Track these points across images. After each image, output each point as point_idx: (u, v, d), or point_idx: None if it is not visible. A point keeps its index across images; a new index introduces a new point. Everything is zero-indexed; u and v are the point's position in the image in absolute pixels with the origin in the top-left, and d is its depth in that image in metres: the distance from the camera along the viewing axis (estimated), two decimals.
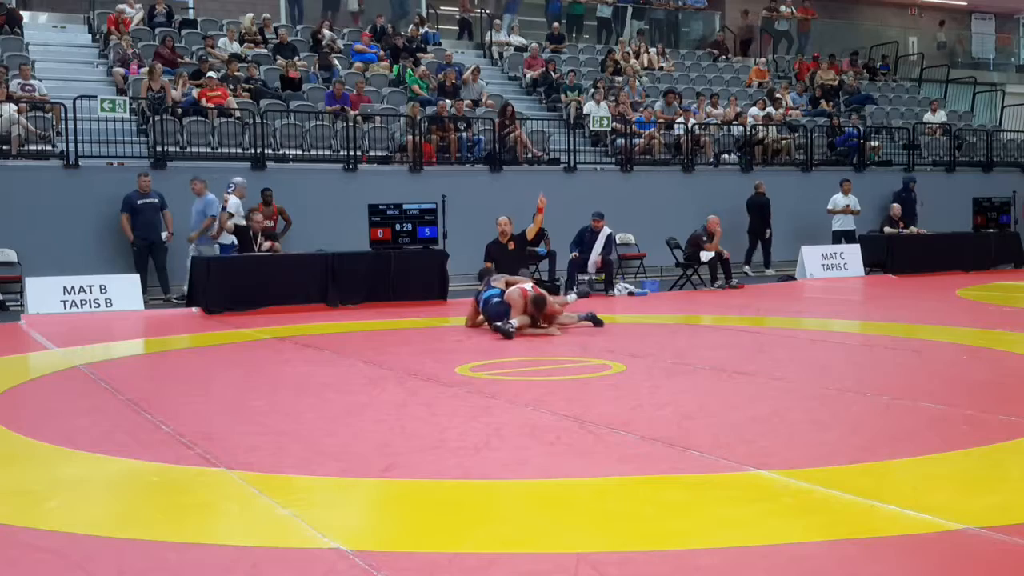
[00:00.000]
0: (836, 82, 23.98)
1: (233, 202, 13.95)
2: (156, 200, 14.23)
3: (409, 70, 19.21)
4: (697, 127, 19.64)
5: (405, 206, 13.78)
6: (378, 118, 17.28)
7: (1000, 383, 7.06)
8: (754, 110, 20.86)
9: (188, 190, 14.81)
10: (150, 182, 14.22)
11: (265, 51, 18.94)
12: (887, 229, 18.38)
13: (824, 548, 3.68)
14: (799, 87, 23.95)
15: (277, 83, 17.84)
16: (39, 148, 14.91)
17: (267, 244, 13.59)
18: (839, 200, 18.48)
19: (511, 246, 12.39)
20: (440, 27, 22.84)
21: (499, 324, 9.79)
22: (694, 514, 4.12)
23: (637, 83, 21.22)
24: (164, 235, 14.22)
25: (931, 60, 27.60)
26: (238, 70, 17.32)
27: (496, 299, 10.22)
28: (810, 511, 4.12)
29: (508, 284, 10.41)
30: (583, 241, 14.65)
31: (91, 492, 4.71)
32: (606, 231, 14.56)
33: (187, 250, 14.13)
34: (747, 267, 18.23)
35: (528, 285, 10.30)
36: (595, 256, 14.46)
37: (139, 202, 14.11)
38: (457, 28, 23.51)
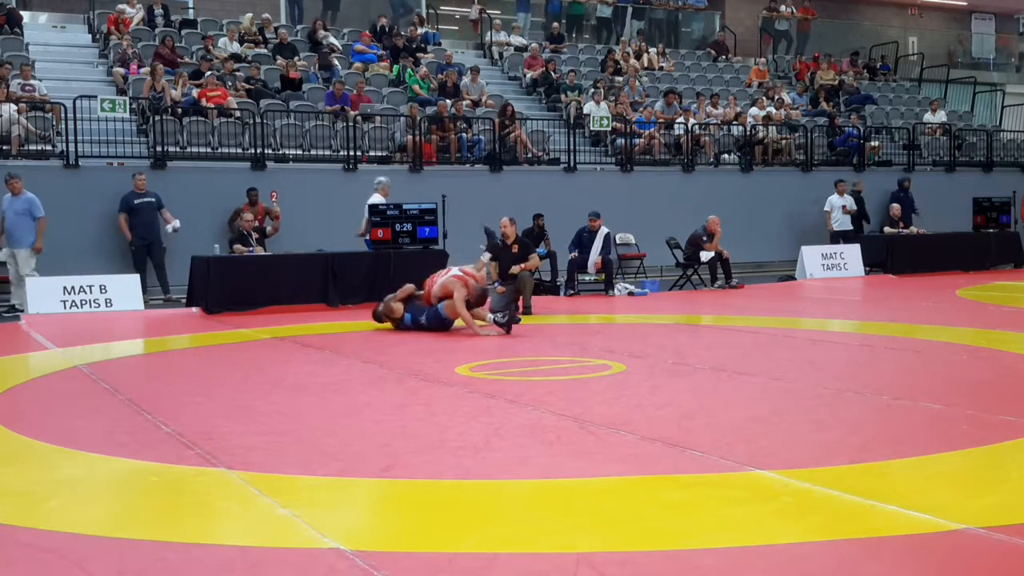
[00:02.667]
0: (836, 82, 23.99)
1: (379, 200, 14.08)
2: (153, 200, 14.22)
3: (409, 70, 19.21)
4: (697, 127, 19.64)
5: (405, 206, 13.78)
6: (378, 118, 17.28)
7: (1000, 383, 7.07)
8: (754, 110, 20.86)
9: (189, 190, 14.83)
10: (146, 181, 14.21)
11: (265, 51, 18.94)
12: (887, 229, 18.40)
13: (824, 548, 3.68)
14: (799, 87, 23.96)
15: (277, 83, 17.84)
16: (39, 148, 14.91)
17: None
18: (835, 201, 18.48)
19: (515, 249, 12.29)
20: (440, 27, 22.85)
21: (496, 319, 10.01)
22: (694, 514, 4.12)
23: (637, 83, 21.22)
24: (170, 228, 14.17)
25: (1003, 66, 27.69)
26: (236, 70, 17.32)
27: (423, 317, 10.32)
28: (810, 511, 4.12)
29: (406, 298, 10.53)
30: (581, 242, 14.64)
31: (91, 492, 4.71)
32: (604, 230, 14.54)
33: (185, 251, 14.12)
34: None
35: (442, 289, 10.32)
36: (595, 256, 14.45)
37: (136, 202, 14.11)
38: (457, 28, 23.53)
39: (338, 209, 15.27)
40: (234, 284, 12.69)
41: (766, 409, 6.21)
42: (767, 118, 20.62)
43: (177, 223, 14.20)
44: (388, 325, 10.77)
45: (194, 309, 12.76)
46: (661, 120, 19.70)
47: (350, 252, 13.55)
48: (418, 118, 17.05)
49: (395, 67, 19.56)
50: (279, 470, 4.88)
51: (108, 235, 14.45)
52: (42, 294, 12.48)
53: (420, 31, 21.15)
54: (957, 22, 31.44)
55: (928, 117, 22.91)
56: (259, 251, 13.38)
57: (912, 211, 19.27)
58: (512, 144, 17.72)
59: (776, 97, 21.70)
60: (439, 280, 10.34)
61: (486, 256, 11.25)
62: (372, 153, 16.93)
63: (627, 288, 14.69)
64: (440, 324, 10.23)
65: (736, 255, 16.19)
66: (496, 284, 11.56)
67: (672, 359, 8.38)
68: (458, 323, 10.39)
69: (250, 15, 19.65)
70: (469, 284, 10.18)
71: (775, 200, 19.35)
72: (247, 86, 17.11)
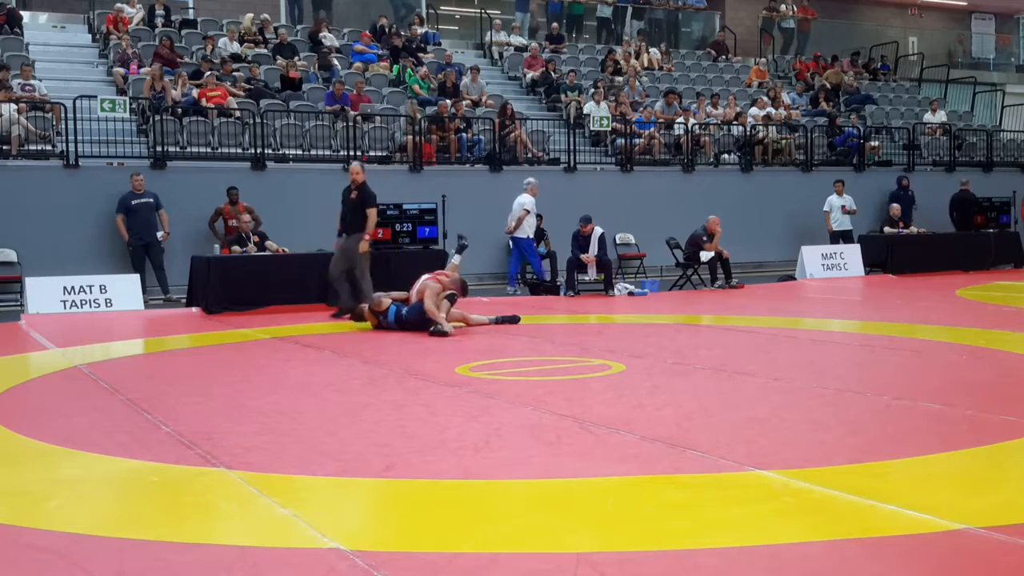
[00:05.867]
0: (839, 81, 24.00)
1: (529, 200, 14.49)
2: (151, 200, 14.23)
3: (409, 70, 19.22)
4: (697, 127, 19.64)
5: (405, 206, 13.78)
6: (378, 118, 17.28)
7: (1000, 383, 7.06)
8: (754, 110, 20.86)
9: (189, 190, 14.84)
10: (143, 182, 14.23)
11: (265, 51, 18.94)
12: (887, 229, 18.39)
13: (824, 548, 3.68)
14: (799, 87, 23.96)
15: (277, 83, 17.84)
16: (39, 148, 14.91)
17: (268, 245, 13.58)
18: (834, 201, 18.47)
19: (354, 196, 12.12)
20: (440, 27, 22.85)
21: (433, 329, 10.03)
22: (694, 514, 4.12)
23: (637, 83, 21.22)
24: (160, 234, 14.22)
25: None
26: (236, 70, 17.32)
27: (404, 311, 10.47)
28: (810, 511, 4.12)
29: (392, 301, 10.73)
30: (578, 245, 14.59)
31: (91, 492, 4.71)
32: (598, 231, 14.45)
33: (184, 251, 14.14)
34: None
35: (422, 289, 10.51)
36: (589, 255, 14.36)
37: (133, 202, 14.11)
38: (457, 28, 23.55)
39: (338, 209, 15.22)
40: (234, 284, 12.69)
41: (766, 409, 6.21)
42: (767, 118, 20.62)
43: (163, 232, 14.24)
44: (367, 325, 10.79)
45: (194, 309, 12.76)
46: (661, 120, 19.70)
47: None
48: (418, 118, 17.05)
49: (395, 67, 19.56)
50: (279, 470, 4.88)
51: (108, 235, 14.45)
52: (42, 294, 12.48)
53: (420, 31, 21.16)
54: (957, 22, 31.45)
55: (928, 117, 22.90)
56: (252, 251, 13.35)
57: (911, 207, 19.25)
58: (512, 144, 17.72)
59: (775, 96, 21.71)
60: (416, 285, 10.56)
61: (456, 258, 11.47)
62: (372, 153, 16.92)
63: (627, 288, 14.67)
64: (422, 322, 10.27)
65: (736, 255, 16.18)
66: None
67: (672, 359, 8.38)
68: (458, 324, 10.56)
69: (250, 15, 19.66)
70: (443, 281, 10.45)
71: (775, 200, 19.35)
72: (247, 86, 17.12)
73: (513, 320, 10.98)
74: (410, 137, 16.79)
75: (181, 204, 14.60)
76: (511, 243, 15.31)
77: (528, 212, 14.52)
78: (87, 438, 5.66)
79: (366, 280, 11.90)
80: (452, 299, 10.41)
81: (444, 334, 9.96)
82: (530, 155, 17.94)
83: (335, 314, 11.91)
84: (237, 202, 14.53)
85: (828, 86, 23.67)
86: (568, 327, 11.71)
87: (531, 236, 14.92)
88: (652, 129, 19.19)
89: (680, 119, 19.62)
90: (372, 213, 11.94)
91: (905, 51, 28.24)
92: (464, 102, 18.30)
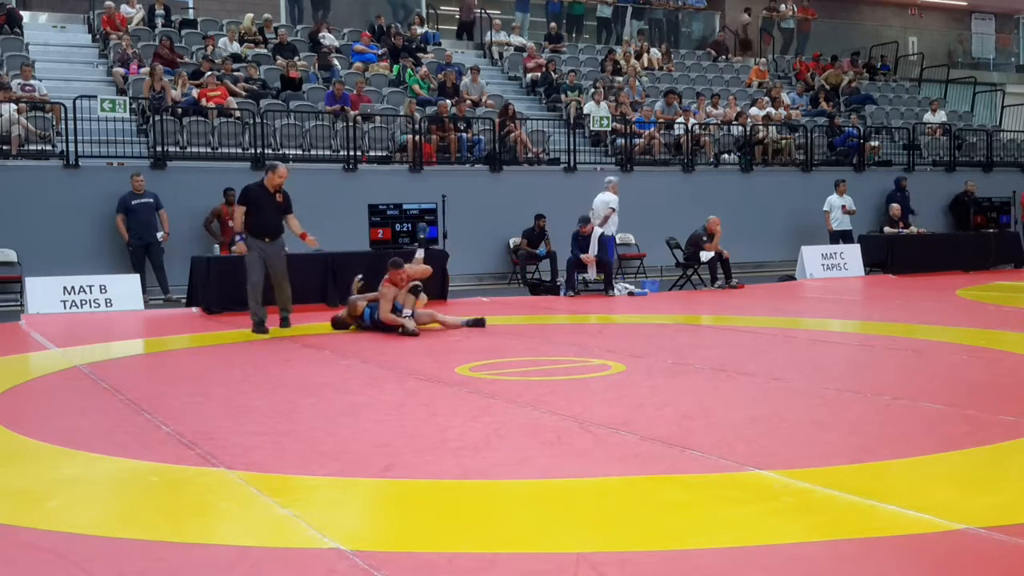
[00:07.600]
0: (842, 82, 24.02)
1: (613, 198, 14.95)
2: (151, 200, 14.25)
3: (409, 70, 19.22)
4: (697, 127, 19.64)
5: (405, 206, 13.78)
6: (378, 118, 17.29)
7: (1000, 383, 7.06)
8: (754, 110, 20.86)
9: (188, 190, 14.83)
10: (143, 182, 14.24)
11: (265, 51, 18.95)
12: (887, 229, 18.39)
13: (824, 548, 3.68)
14: (799, 87, 23.96)
15: (277, 83, 17.85)
16: (39, 148, 14.92)
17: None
18: (835, 201, 18.47)
19: (279, 198, 10.82)
20: (440, 27, 22.85)
21: (401, 330, 10.00)
22: (694, 514, 4.12)
23: (637, 83, 21.22)
24: (160, 235, 14.24)
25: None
26: (236, 70, 17.32)
27: (377, 313, 10.47)
28: (810, 511, 4.12)
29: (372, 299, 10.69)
30: (578, 245, 14.56)
31: (91, 492, 4.71)
32: (597, 231, 14.44)
33: (184, 251, 14.13)
34: None
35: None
36: (588, 255, 14.34)
37: (133, 202, 14.13)
38: (456, 28, 23.54)
39: (338, 209, 15.26)
40: (234, 284, 12.65)
41: (766, 409, 6.21)
42: (767, 118, 20.62)
43: (163, 233, 14.26)
44: (351, 330, 10.72)
45: (194, 309, 12.76)
46: (661, 120, 19.70)
47: (350, 252, 13.55)
48: (417, 117, 17.06)
49: (395, 67, 19.57)
50: (279, 470, 4.88)
51: (108, 235, 14.47)
52: (42, 294, 12.48)
53: (420, 31, 21.16)
54: (957, 22, 31.46)
55: (928, 117, 22.91)
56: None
57: (908, 211, 19.27)
58: (512, 144, 17.72)
59: (775, 96, 21.70)
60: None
61: (420, 253, 11.55)
62: (372, 153, 16.93)
63: (627, 288, 14.67)
64: (381, 324, 10.30)
65: (736, 255, 16.17)
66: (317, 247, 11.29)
67: (672, 359, 8.37)
68: (434, 325, 10.52)
69: (250, 15, 19.67)
70: (395, 280, 10.30)
71: (775, 200, 19.35)
72: (247, 86, 17.12)
73: (480, 323, 10.62)
74: (410, 137, 16.79)
75: (181, 204, 14.61)
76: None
77: (614, 210, 14.79)
78: (87, 438, 5.66)
79: (287, 284, 10.94)
80: (416, 291, 10.37)
81: (413, 334, 9.92)
82: (530, 155, 17.94)
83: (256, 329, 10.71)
84: (233, 203, 14.50)
85: (828, 86, 23.71)
86: (568, 327, 11.71)
87: (614, 233, 15.25)
88: (652, 129, 19.20)
89: (680, 119, 19.62)
90: (294, 218, 10.82)
91: (905, 51, 28.24)
92: (464, 102, 18.30)
